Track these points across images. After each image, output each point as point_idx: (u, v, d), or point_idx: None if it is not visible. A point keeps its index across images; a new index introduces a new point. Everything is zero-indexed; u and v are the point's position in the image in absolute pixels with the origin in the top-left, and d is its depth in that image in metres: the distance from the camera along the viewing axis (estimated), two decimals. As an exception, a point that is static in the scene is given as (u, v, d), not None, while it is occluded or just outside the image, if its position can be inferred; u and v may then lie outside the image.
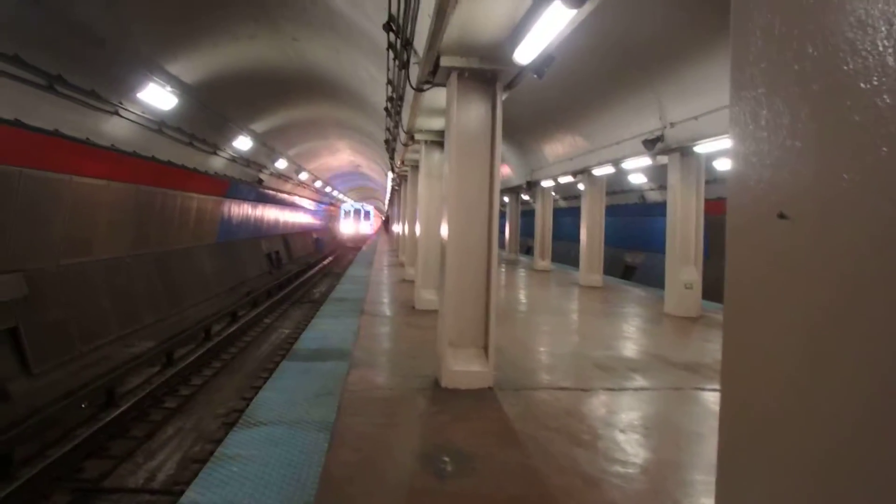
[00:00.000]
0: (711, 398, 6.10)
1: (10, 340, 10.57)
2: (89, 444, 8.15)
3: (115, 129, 13.21)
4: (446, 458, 4.31)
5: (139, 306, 15.85)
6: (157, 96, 13.57)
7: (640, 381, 6.67)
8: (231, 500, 3.60)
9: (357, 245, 53.57)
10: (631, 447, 4.73)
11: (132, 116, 13.39)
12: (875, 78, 1.08)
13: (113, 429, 8.80)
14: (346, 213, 69.34)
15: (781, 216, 1.32)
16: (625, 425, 5.25)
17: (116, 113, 12.72)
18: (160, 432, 9.19)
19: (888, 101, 1.06)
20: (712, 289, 10.79)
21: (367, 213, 70.76)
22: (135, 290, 15.93)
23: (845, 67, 1.14)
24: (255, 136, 22.46)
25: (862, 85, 1.10)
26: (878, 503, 1.10)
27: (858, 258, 1.13)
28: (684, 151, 10.82)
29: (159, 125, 14.87)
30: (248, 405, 5.57)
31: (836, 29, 1.16)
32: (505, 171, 22.09)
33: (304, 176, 29.96)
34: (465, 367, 6.05)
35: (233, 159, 21.90)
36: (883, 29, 1.07)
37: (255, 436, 4.62)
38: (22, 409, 9.31)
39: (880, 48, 1.08)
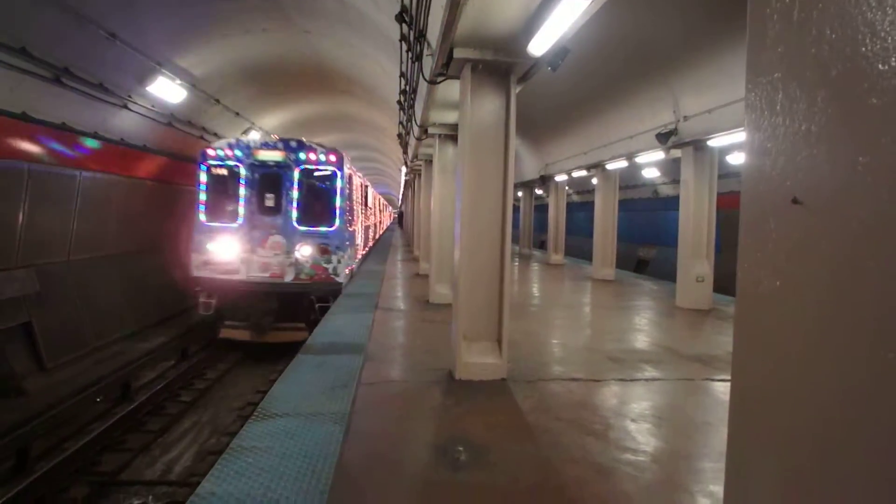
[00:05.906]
0: (721, 388, 6.10)
1: (23, 336, 10.67)
2: (105, 438, 8.25)
3: (123, 123, 13.19)
4: (460, 449, 4.33)
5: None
6: (167, 89, 13.50)
7: (651, 372, 6.67)
8: (247, 491, 3.62)
9: None
10: (642, 437, 4.74)
11: (142, 110, 13.34)
12: (894, 59, 1.07)
13: (129, 422, 8.89)
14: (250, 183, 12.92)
15: (795, 201, 1.31)
16: (636, 415, 5.25)
17: (125, 106, 12.66)
18: (176, 425, 9.27)
19: (907, 81, 1.05)
20: (724, 282, 10.75)
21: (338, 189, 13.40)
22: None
23: (863, 49, 1.13)
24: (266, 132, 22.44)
25: (881, 66, 1.09)
26: (881, 484, 1.11)
27: (872, 242, 1.13)
28: (698, 145, 10.76)
29: (169, 119, 14.85)
30: (262, 398, 5.59)
31: (855, 11, 1.15)
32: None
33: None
34: (479, 360, 6.06)
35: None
36: (903, 8, 1.06)
37: (271, 428, 4.65)
38: (37, 404, 9.38)
39: (900, 28, 1.06)
